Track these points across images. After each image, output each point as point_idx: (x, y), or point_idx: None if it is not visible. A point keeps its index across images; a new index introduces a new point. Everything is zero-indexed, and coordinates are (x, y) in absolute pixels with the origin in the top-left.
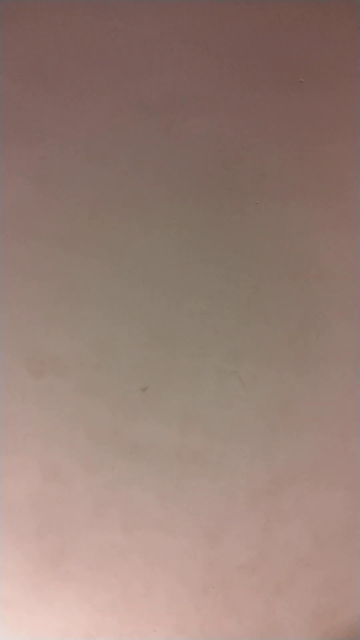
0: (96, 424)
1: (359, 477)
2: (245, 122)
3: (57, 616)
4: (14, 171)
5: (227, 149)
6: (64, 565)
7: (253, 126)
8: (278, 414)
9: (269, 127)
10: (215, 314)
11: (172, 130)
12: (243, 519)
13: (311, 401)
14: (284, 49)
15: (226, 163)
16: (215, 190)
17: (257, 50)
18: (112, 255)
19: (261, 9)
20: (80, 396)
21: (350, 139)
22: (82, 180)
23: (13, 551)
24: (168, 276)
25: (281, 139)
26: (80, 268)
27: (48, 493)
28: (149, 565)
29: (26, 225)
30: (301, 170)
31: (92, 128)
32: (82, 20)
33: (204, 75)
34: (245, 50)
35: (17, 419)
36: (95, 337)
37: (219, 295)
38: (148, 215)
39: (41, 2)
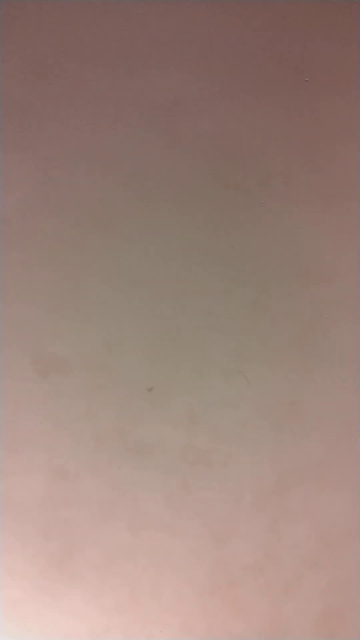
0: (102, 425)
1: None
2: (250, 122)
3: (64, 616)
4: (17, 173)
5: (231, 149)
6: (70, 566)
7: (258, 126)
8: (284, 414)
9: (273, 127)
10: (220, 314)
11: (176, 130)
12: (249, 520)
13: (317, 401)
14: (288, 48)
15: (231, 163)
16: (220, 190)
17: (261, 50)
18: (117, 255)
19: (265, 8)
20: (86, 396)
21: (355, 138)
22: (85, 181)
23: (19, 552)
24: (173, 277)
25: (286, 138)
26: (85, 269)
27: (54, 493)
28: (155, 566)
29: (31, 226)
30: (306, 170)
31: (95, 129)
32: (83, 21)
33: (208, 76)
34: (250, 50)
35: (23, 419)
36: (101, 338)
37: (224, 296)
38: (152, 216)
39: (42, 3)
